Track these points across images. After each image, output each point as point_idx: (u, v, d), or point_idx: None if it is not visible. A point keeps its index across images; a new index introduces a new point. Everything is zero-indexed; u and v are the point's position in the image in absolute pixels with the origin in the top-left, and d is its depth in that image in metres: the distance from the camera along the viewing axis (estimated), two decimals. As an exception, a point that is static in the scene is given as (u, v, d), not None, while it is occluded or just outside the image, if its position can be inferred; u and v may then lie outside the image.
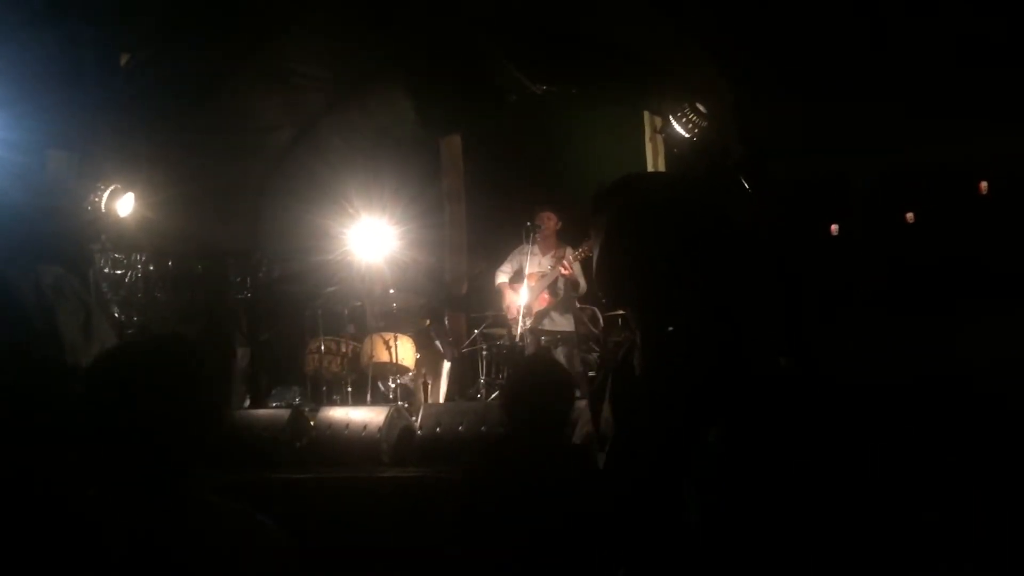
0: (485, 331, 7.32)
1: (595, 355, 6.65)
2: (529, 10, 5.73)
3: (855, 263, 5.79)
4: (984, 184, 5.82)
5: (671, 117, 5.60)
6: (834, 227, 5.97)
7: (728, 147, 5.03)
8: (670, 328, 2.73)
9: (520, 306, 6.77)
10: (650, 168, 7.56)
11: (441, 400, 7.29)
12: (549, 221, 6.89)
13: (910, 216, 5.95)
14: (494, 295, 7.33)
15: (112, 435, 1.60)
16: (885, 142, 5.58)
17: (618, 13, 5.38)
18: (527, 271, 6.90)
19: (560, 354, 6.76)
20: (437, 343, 7.42)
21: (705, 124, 5.26)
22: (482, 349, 7.25)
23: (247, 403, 7.34)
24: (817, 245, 5.81)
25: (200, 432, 1.65)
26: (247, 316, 7.77)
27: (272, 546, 1.61)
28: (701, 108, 5.32)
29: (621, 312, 5.00)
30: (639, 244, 2.83)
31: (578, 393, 3.11)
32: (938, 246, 5.65)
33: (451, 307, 7.89)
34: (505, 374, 6.95)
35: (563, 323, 6.91)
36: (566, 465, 2.75)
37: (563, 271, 6.76)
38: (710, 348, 2.62)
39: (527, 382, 2.93)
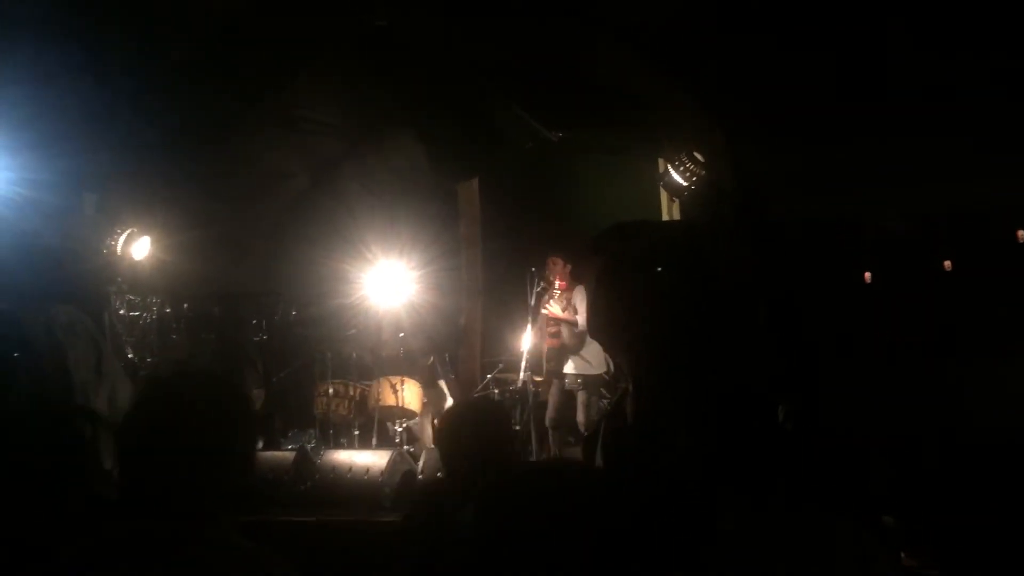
0: (497, 376, 7.30)
1: (604, 401, 6.59)
2: (539, 58, 5.77)
3: (878, 310, 5.66)
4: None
5: (669, 166, 5.59)
6: (867, 275, 5.83)
7: (724, 194, 4.98)
8: (659, 378, 2.71)
9: (524, 351, 6.74)
10: (664, 215, 7.57)
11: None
12: (555, 266, 6.84)
13: (947, 264, 5.77)
14: (507, 341, 7.32)
15: (144, 473, 1.57)
16: (906, 186, 5.43)
17: (617, 62, 5.40)
18: (536, 317, 6.87)
19: (579, 399, 6.70)
20: (441, 382, 7.38)
21: (703, 172, 5.24)
22: (493, 393, 7.23)
23: (260, 445, 7.33)
24: (842, 291, 5.66)
25: (232, 474, 1.62)
26: (262, 358, 7.79)
27: None
28: (698, 156, 5.30)
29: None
30: (627, 294, 2.81)
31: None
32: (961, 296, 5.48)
33: (460, 346, 7.86)
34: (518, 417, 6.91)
35: (585, 367, 6.71)
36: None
37: (544, 311, 6.70)
38: (701, 398, 2.59)
39: (454, 427, 2.92)
